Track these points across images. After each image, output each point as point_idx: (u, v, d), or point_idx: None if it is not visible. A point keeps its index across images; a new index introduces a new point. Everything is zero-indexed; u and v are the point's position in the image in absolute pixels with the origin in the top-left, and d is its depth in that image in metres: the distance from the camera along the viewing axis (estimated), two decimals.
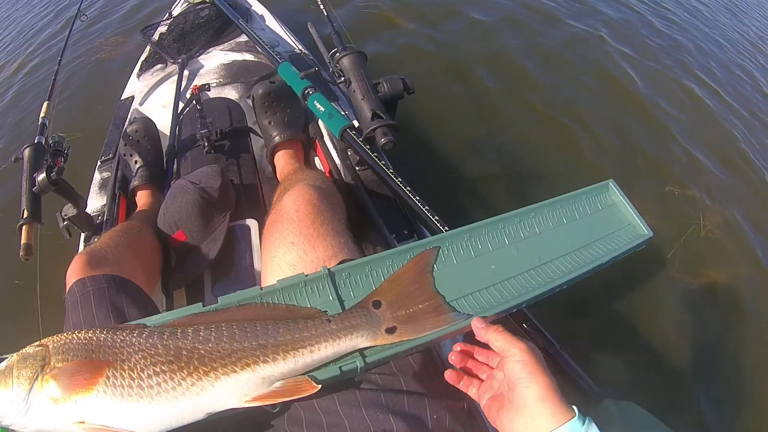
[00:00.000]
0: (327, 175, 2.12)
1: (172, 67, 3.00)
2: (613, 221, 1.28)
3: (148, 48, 3.38)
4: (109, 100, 3.53)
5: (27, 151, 1.82)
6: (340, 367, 0.94)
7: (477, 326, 0.94)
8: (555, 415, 0.80)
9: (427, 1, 4.74)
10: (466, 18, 4.49)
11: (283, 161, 2.08)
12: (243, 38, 3.06)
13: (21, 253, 1.67)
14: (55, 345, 0.94)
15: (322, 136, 2.22)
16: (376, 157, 1.73)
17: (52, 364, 0.90)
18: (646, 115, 3.77)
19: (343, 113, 1.92)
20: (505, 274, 1.07)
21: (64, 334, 0.98)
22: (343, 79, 1.87)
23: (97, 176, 2.48)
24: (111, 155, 2.49)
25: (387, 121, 1.68)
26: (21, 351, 0.96)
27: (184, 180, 1.80)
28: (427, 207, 1.58)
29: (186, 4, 3.72)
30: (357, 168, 2.00)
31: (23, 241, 1.69)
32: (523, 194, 2.91)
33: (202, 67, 2.95)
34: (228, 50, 3.03)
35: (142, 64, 3.25)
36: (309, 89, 1.98)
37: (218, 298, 1.05)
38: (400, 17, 4.45)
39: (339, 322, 0.95)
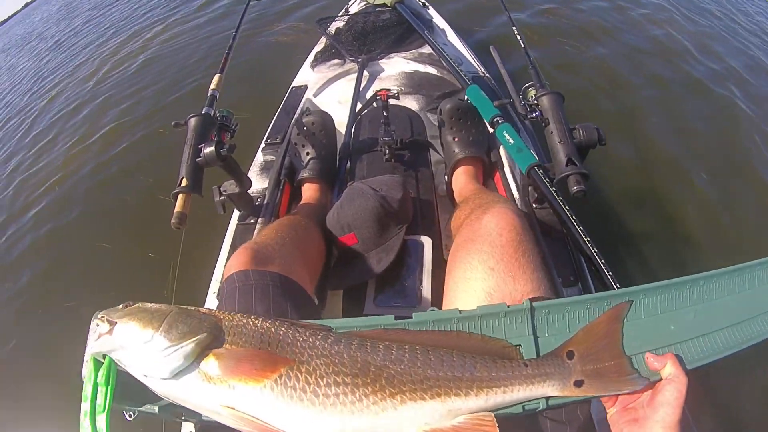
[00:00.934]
0: None
1: (351, 65, 3.03)
2: None
3: (323, 40, 3.44)
4: (277, 83, 3.60)
5: (193, 121, 1.80)
6: (523, 406, 0.93)
7: (652, 357, 0.96)
8: None
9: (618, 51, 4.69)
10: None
11: (463, 179, 2.04)
12: (426, 50, 3.05)
13: (173, 221, 1.60)
14: (227, 323, 0.93)
15: (503, 167, 2.19)
16: (561, 201, 1.72)
17: (226, 340, 0.90)
18: None
19: (530, 149, 1.90)
20: (681, 338, 1.05)
21: (239, 314, 0.97)
22: (535, 114, 1.86)
23: (260, 157, 2.54)
24: (278, 140, 2.54)
25: (581, 169, 1.65)
26: (184, 307, 0.96)
27: (365, 185, 1.78)
28: (603, 260, 1.56)
29: (364, 3, 3.77)
30: (534, 206, 1.98)
31: (177, 209, 1.62)
32: (698, 260, 2.79)
33: (383, 71, 2.97)
34: (410, 59, 3.03)
35: (316, 55, 3.30)
36: (498, 118, 1.96)
37: (413, 314, 1.02)
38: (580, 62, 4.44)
39: (534, 368, 0.93)
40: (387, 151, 2.12)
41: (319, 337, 0.92)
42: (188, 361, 0.86)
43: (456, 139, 2.07)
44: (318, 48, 3.42)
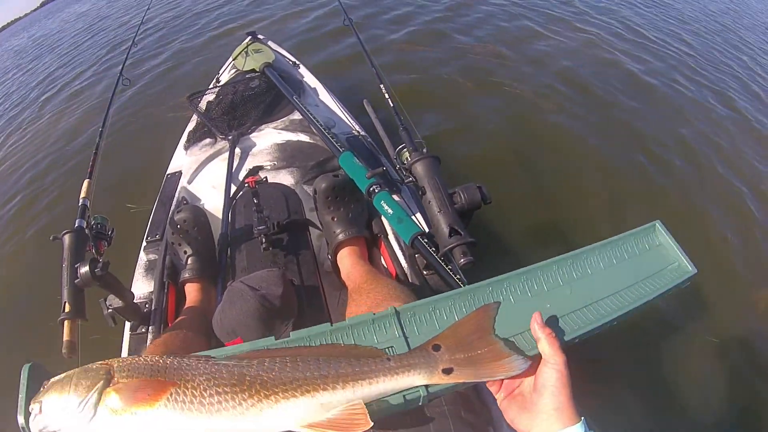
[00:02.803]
0: (393, 275, 2.00)
1: (222, 144, 2.91)
2: (660, 260, 1.31)
3: (195, 118, 3.31)
4: (153, 170, 3.46)
5: (66, 238, 1.71)
6: (404, 396, 0.97)
7: (536, 320, 1.00)
8: (566, 423, 0.89)
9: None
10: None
11: (348, 261, 1.94)
12: (297, 115, 2.97)
13: (64, 351, 1.56)
14: (120, 364, 1.01)
15: (387, 235, 2.10)
16: (449, 269, 1.63)
17: (116, 379, 0.97)
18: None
19: (411, 217, 1.82)
20: (560, 312, 1.11)
21: (129, 357, 1.08)
22: (411, 178, 1.77)
23: (143, 257, 2.40)
24: (158, 236, 2.41)
25: (466, 238, 1.57)
26: (83, 366, 1.03)
27: (243, 284, 1.67)
28: None
29: (234, 71, 3.69)
30: (425, 272, 1.90)
31: (65, 338, 1.58)
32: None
33: (254, 145, 2.86)
34: (281, 129, 2.94)
35: (189, 136, 3.17)
36: (375, 186, 1.88)
37: (290, 333, 1.11)
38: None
39: (398, 361, 1.00)
40: (264, 240, 2.03)
41: (200, 361, 1.01)
42: (96, 407, 0.94)
43: (335, 219, 1.97)
44: (190, 127, 3.29)
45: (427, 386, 0.98)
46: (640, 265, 1.28)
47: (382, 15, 6.74)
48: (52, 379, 1.03)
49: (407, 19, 6.51)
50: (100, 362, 1.04)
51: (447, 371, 0.97)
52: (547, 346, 0.95)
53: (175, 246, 2.09)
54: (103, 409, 0.94)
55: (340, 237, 1.95)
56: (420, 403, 0.99)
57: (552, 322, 1.08)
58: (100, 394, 0.95)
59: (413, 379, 0.98)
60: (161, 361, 1.02)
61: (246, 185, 2.09)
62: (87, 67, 8.75)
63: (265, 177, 2.10)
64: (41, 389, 1.03)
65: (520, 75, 5.00)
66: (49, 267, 3.19)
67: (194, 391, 0.95)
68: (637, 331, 2.64)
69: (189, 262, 2.05)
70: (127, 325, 2.04)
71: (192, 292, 2.05)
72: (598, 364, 2.44)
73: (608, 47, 5.86)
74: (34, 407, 1.00)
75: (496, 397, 1.05)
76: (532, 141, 4.09)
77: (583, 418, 0.89)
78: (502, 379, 1.04)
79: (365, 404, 0.95)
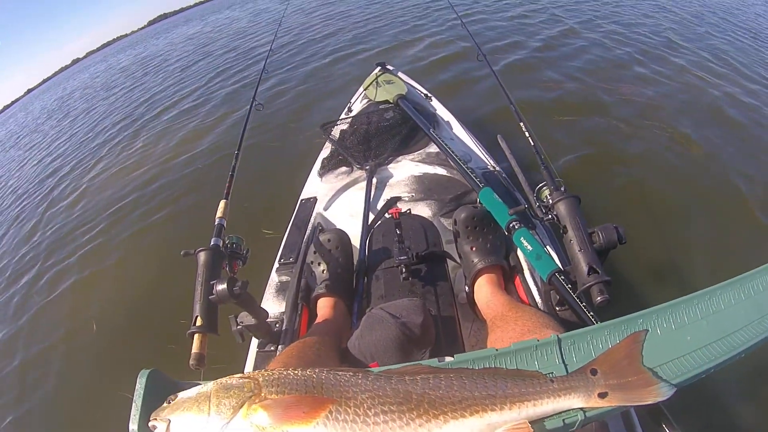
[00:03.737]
0: None
1: (359, 173, 3.00)
2: None
3: (328, 146, 3.41)
4: (285, 194, 3.60)
5: (202, 255, 1.75)
6: (563, 420, 0.98)
7: None
8: None
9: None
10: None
11: (488, 289, 1.92)
12: (433, 149, 3.01)
13: (192, 362, 1.60)
14: (267, 378, 0.97)
15: (522, 270, 2.12)
16: (584, 307, 1.66)
17: (263, 395, 0.93)
18: None
19: (549, 255, 1.84)
20: (698, 344, 1.14)
21: (277, 370, 1.01)
22: (551, 216, 1.81)
23: (274, 278, 2.48)
24: (292, 259, 2.48)
25: (603, 277, 1.58)
26: (220, 380, 0.98)
27: (384, 311, 1.72)
28: None
29: (366, 101, 3.78)
30: (557, 308, 1.92)
31: (195, 350, 1.62)
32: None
33: (392, 176, 2.92)
34: (418, 161, 2.99)
35: (323, 163, 3.27)
36: (515, 223, 1.91)
37: (455, 356, 1.12)
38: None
39: (560, 383, 1.00)
40: (404, 270, 2.07)
41: (360, 376, 0.99)
42: (237, 423, 0.90)
43: (474, 249, 2.00)
44: (324, 154, 3.39)
45: (583, 410, 0.99)
46: (762, 302, 1.29)
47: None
48: (182, 395, 0.99)
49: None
50: (239, 375, 1.00)
51: (602, 395, 0.99)
52: None
53: (313, 265, 2.14)
54: (248, 428, 0.90)
55: (479, 265, 1.96)
56: (576, 427, 1.00)
57: (693, 356, 1.11)
58: (247, 412, 0.91)
59: (572, 402, 0.99)
60: (314, 375, 0.98)
61: (389, 215, 2.15)
62: (213, 92, 9.18)
63: (409, 209, 2.16)
64: (166, 404, 1.00)
65: (661, 117, 4.91)
66: (170, 284, 3.39)
67: (357, 410, 0.91)
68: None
69: (326, 278, 2.09)
70: (254, 342, 2.09)
71: (325, 308, 2.06)
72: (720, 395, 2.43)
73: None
74: (158, 425, 0.96)
75: None
76: (666, 180, 4.02)
77: None
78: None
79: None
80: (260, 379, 0.97)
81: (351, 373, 0.99)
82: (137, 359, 3.26)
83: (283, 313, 2.17)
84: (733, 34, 7.29)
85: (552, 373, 1.05)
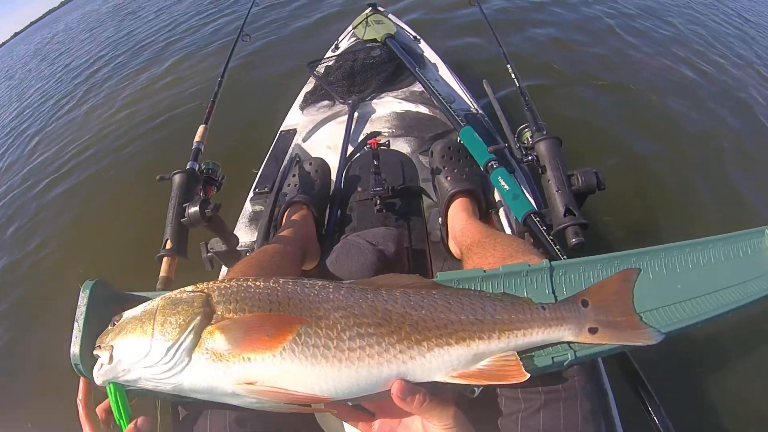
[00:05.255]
0: None
1: (341, 107, 2.97)
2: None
3: (312, 80, 3.38)
4: (266, 126, 3.54)
5: (177, 178, 1.74)
6: (552, 357, 0.94)
7: (398, 396, 0.83)
8: None
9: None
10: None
11: (463, 215, 1.87)
12: (417, 87, 2.98)
13: (158, 287, 1.54)
14: (223, 292, 0.86)
15: (497, 211, 2.11)
16: (558, 250, 1.64)
17: (219, 314, 0.83)
18: None
19: (526, 195, 1.83)
20: (689, 295, 1.14)
21: (234, 280, 0.90)
22: (530, 158, 1.79)
23: (248, 207, 2.47)
24: (267, 189, 2.47)
25: (580, 219, 1.58)
26: (168, 294, 0.88)
27: (360, 238, 1.71)
28: None
29: (354, 39, 3.74)
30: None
31: (162, 273, 1.59)
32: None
33: (374, 112, 2.91)
34: (401, 99, 2.97)
35: (306, 96, 3.25)
36: (493, 162, 1.89)
37: (437, 274, 1.07)
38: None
39: (552, 311, 0.95)
40: (378, 202, 2.05)
41: (330, 289, 0.89)
42: (192, 353, 0.80)
43: (448, 178, 1.97)
44: (307, 88, 3.36)
45: (573, 349, 0.95)
46: (752, 264, 1.33)
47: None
48: (127, 314, 0.88)
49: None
50: (191, 288, 0.89)
51: (593, 330, 0.95)
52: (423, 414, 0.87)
53: (289, 188, 2.13)
54: (202, 355, 0.80)
55: (453, 189, 1.92)
56: (563, 367, 0.96)
57: (683, 306, 1.12)
58: (199, 335, 0.81)
59: (563, 333, 0.94)
60: (279, 287, 0.87)
61: (368, 147, 2.12)
62: (206, 22, 9.02)
63: (387, 141, 2.13)
64: (110, 326, 0.89)
65: (645, 73, 4.90)
66: (149, 209, 3.36)
67: (330, 332, 0.82)
68: (739, 333, 2.57)
69: (299, 191, 2.07)
70: (224, 270, 2.06)
71: (293, 217, 1.99)
72: (697, 358, 2.42)
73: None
74: (101, 353, 0.85)
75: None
76: (651, 135, 4.01)
77: None
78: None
79: None
80: (215, 293, 0.86)
81: (320, 285, 0.90)
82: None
83: (254, 242, 2.14)
84: None
85: (543, 302, 1.00)
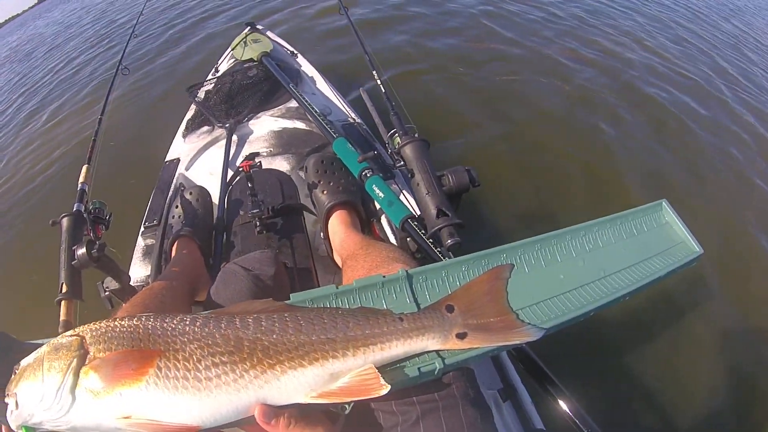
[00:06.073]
0: None
1: (220, 131, 2.93)
2: (667, 239, 1.35)
3: (193, 107, 3.33)
4: (152, 158, 3.46)
5: (65, 221, 1.73)
6: (419, 368, 0.92)
7: (262, 420, 0.85)
8: None
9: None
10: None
11: (341, 228, 1.88)
12: (294, 104, 2.97)
13: (60, 331, 1.51)
14: (94, 334, 0.88)
15: (379, 219, 2.12)
16: (439, 251, 1.63)
17: (92, 354, 0.85)
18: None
19: (403, 201, 1.83)
20: (574, 284, 1.10)
21: (103, 321, 0.92)
22: (402, 163, 1.78)
23: (140, 242, 2.41)
24: (155, 222, 2.42)
25: (453, 220, 1.59)
26: (52, 341, 0.90)
27: (236, 265, 1.65)
28: None
29: (233, 61, 3.71)
30: (417, 256, 1.85)
31: (62, 318, 1.58)
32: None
33: (251, 133, 2.88)
34: (278, 116, 2.95)
35: (187, 124, 3.19)
36: (367, 171, 1.89)
37: (290, 296, 1.03)
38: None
39: (411, 322, 0.93)
40: (258, 223, 2.04)
41: (187, 322, 0.90)
42: (74, 392, 0.82)
43: (325, 192, 1.97)
44: (189, 115, 3.31)
45: (441, 356, 0.94)
46: (648, 242, 1.30)
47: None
48: (23, 362, 0.91)
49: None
50: (70, 333, 0.91)
51: (461, 336, 0.93)
52: None
53: (173, 220, 2.10)
54: (82, 393, 0.82)
55: (330, 203, 1.92)
56: (435, 375, 0.95)
57: (568, 297, 1.08)
58: (77, 375, 0.83)
59: (427, 343, 0.93)
60: (141, 324, 0.89)
61: (240, 170, 2.10)
62: (85, 61, 8.77)
63: (260, 162, 2.10)
64: (13, 375, 0.91)
65: (516, 61, 5.03)
66: (48, 254, 3.23)
67: (187, 363, 0.84)
68: (642, 312, 2.66)
69: (184, 224, 2.05)
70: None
71: (180, 250, 1.99)
72: (602, 343, 2.47)
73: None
74: (9, 401, 0.87)
75: None
76: (524, 124, 4.12)
77: None
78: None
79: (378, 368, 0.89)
80: (87, 336, 0.88)
81: (178, 319, 0.91)
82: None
83: (149, 276, 2.13)
84: None
85: (402, 313, 0.98)
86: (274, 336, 0.88)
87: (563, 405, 1.37)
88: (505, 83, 4.64)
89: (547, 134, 3.97)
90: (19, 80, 9.86)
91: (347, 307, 1.02)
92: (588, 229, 1.23)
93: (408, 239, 1.84)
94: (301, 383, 0.86)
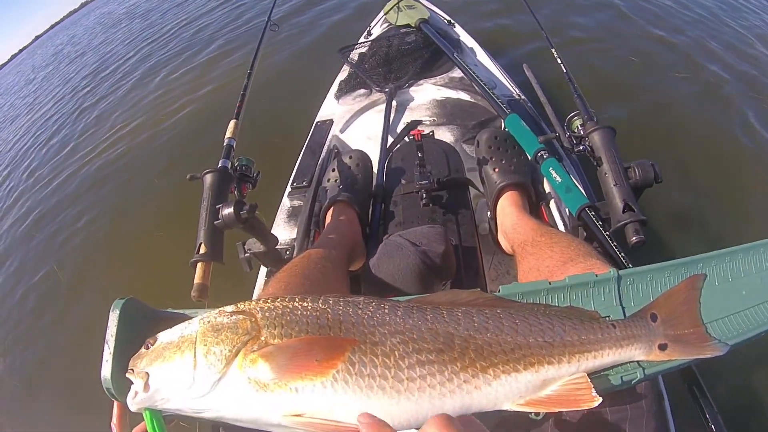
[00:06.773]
0: None
1: (378, 95, 2.91)
2: None
3: (346, 68, 3.32)
4: (300, 117, 3.47)
5: (208, 177, 1.61)
6: (621, 377, 0.89)
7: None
8: None
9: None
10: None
11: (513, 210, 1.78)
12: (456, 73, 2.91)
13: (193, 294, 1.44)
14: (267, 315, 0.79)
15: (548, 203, 2.02)
16: (616, 246, 1.55)
17: (263, 338, 0.76)
18: None
19: (579, 188, 1.74)
20: (753, 302, 1.04)
21: (280, 300, 0.83)
22: (582, 148, 1.71)
23: (286, 203, 2.41)
24: (305, 183, 2.41)
25: (639, 216, 1.50)
26: (207, 317, 0.82)
27: (402, 238, 1.61)
28: None
29: (386, 25, 3.67)
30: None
31: (197, 280, 1.46)
32: None
33: (412, 100, 2.84)
34: (441, 85, 2.90)
35: (341, 85, 3.18)
36: (543, 152, 1.80)
37: (500, 287, 1.00)
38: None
39: (622, 330, 0.89)
40: (424, 195, 1.96)
41: (386, 311, 0.82)
42: (230, 376, 0.74)
43: (496, 170, 1.88)
44: (342, 77, 3.30)
45: (641, 366, 0.90)
46: None
47: None
48: (162, 338, 0.82)
49: None
50: (232, 308, 0.83)
51: (662, 347, 0.89)
52: None
53: (329, 183, 2.04)
54: (243, 384, 0.73)
55: (503, 183, 1.83)
56: (631, 385, 0.91)
57: (750, 314, 1.02)
58: (242, 362, 0.74)
59: (634, 353, 0.88)
60: (329, 308, 0.80)
61: (410, 137, 2.05)
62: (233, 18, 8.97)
63: (431, 131, 2.06)
64: (144, 348, 0.83)
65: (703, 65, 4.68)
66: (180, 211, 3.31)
67: (386, 360, 0.74)
68: None
69: (341, 189, 1.98)
70: (263, 271, 2.02)
71: (337, 217, 1.90)
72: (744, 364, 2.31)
73: None
74: (135, 380, 0.79)
75: None
76: (713, 128, 3.80)
77: None
78: None
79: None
80: (258, 316, 0.79)
81: (374, 305, 0.82)
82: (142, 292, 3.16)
83: (294, 239, 2.10)
84: None
85: (609, 316, 0.95)
86: (488, 335, 0.82)
87: (708, 417, 1.28)
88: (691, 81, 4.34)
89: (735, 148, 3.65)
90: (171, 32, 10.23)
91: (557, 305, 0.98)
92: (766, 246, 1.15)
93: (580, 227, 1.76)
94: (513, 389, 0.80)
